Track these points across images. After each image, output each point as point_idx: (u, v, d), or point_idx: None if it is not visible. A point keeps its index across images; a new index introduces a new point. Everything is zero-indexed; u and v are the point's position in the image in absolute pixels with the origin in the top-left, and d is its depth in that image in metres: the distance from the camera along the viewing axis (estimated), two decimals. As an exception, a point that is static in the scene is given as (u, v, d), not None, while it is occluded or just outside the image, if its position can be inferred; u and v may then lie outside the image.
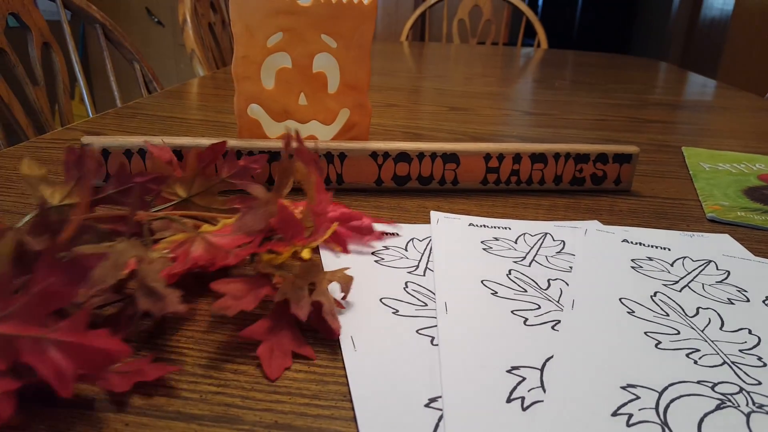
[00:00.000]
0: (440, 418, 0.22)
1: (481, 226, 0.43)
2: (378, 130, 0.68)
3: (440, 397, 0.24)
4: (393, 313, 0.30)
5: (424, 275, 0.35)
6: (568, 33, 4.45)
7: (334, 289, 0.32)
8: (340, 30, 0.49)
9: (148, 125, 0.65)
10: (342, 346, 0.27)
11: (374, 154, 0.48)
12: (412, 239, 0.40)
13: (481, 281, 0.34)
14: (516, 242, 0.40)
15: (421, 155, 0.49)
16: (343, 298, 0.32)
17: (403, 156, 0.49)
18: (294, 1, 0.47)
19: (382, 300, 0.32)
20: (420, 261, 0.37)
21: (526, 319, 0.30)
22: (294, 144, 0.35)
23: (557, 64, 1.43)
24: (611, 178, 0.52)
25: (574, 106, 0.90)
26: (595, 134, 0.73)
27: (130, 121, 0.67)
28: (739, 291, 0.34)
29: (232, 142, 0.47)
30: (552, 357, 0.26)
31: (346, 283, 0.32)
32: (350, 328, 0.29)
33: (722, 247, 0.41)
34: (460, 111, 0.82)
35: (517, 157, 0.50)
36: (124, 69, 1.17)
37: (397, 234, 0.41)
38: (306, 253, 0.37)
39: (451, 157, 0.49)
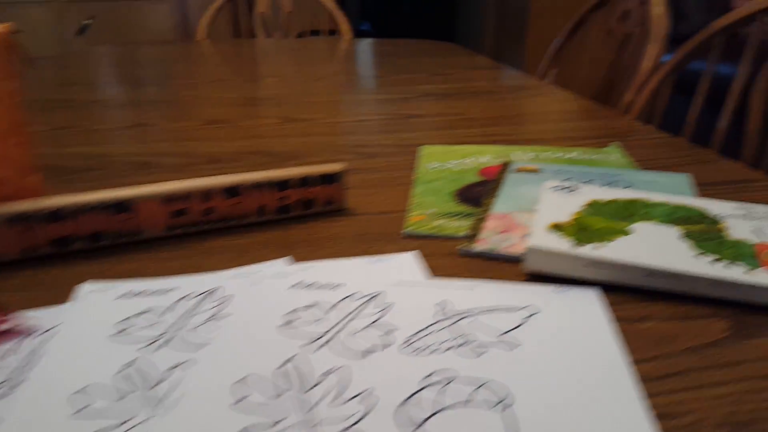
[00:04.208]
0: None
1: (138, 294, 0.37)
2: (104, 162, 0.59)
3: None
4: None
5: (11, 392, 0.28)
6: (394, 21, 4.29)
7: None
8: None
9: None
10: None
11: (16, 219, 0.40)
12: (33, 333, 0.33)
13: (75, 392, 0.28)
14: (168, 310, 0.35)
15: (78, 211, 0.41)
16: None
17: (56, 215, 0.41)
18: None
19: None
20: (14, 372, 0.30)
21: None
22: None
23: (349, 54, 1.40)
24: (321, 200, 0.49)
25: (341, 105, 0.86)
26: (346, 140, 0.69)
27: None
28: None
29: None
30: None
31: None
32: None
33: (401, 270, 0.39)
34: (219, 124, 0.75)
35: (208, 195, 0.45)
36: None
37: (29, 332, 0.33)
38: None
39: (122, 206, 0.42)
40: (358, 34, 3.97)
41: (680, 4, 2.63)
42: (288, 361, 0.30)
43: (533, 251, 0.38)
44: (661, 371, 0.30)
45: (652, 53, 0.98)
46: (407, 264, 0.40)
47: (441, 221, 0.46)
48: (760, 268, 0.35)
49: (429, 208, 0.49)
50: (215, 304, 0.35)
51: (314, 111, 0.83)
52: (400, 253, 0.42)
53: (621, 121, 0.78)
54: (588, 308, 0.35)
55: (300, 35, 1.73)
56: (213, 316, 0.34)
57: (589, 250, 0.37)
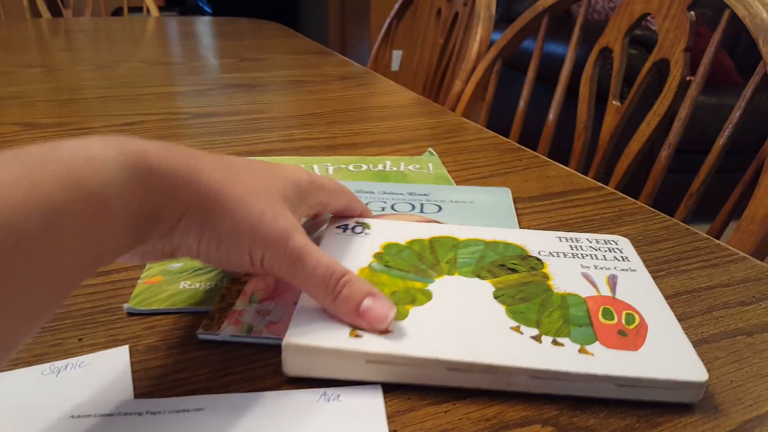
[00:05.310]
0: None
1: None
2: None
3: None
4: None
5: None
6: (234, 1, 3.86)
7: None
8: None
9: None
10: None
11: None
12: None
13: None
14: None
15: None
16: None
17: None
18: None
19: None
20: None
21: None
22: None
23: (149, 36, 1.19)
24: None
25: (115, 101, 0.68)
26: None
27: None
28: None
29: None
30: None
31: None
32: None
33: (98, 384, 0.25)
34: None
35: None
36: None
37: None
38: None
39: None
40: (194, 12, 3.60)
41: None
42: None
43: (291, 350, 0.25)
44: None
45: (478, 36, 0.91)
46: (109, 372, 0.26)
47: (185, 284, 0.32)
48: (596, 343, 0.26)
49: (172, 263, 0.34)
50: None
51: (75, 111, 0.63)
52: (103, 352, 0.27)
53: (447, 117, 0.69)
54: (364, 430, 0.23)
55: (97, 14, 1.46)
56: None
57: (370, 340, 0.26)
